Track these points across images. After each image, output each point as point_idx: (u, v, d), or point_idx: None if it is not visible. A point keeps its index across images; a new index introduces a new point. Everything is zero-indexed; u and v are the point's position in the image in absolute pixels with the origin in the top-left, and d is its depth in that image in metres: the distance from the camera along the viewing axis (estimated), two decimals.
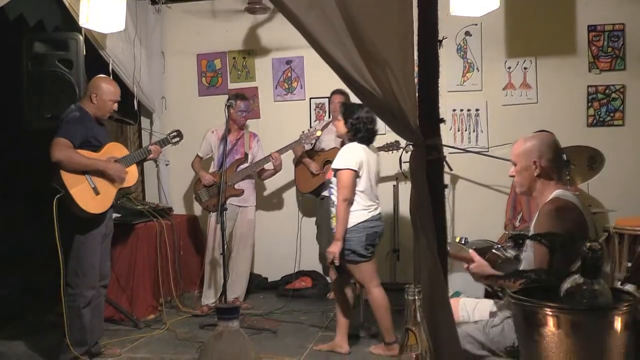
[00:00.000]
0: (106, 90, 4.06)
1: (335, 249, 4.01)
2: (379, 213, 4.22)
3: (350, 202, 4.04)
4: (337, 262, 4.05)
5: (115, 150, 4.20)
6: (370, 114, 4.12)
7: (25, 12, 4.70)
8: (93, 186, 3.97)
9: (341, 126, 4.22)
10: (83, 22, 4.83)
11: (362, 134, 4.15)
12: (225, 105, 5.03)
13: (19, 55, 4.91)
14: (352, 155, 4.11)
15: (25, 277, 5.61)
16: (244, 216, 5.54)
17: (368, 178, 4.13)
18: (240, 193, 5.43)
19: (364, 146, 4.16)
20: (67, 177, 3.86)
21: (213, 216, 5.44)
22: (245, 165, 5.46)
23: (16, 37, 4.93)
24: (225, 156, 5.04)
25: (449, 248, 2.58)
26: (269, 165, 5.46)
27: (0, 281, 5.86)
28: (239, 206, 5.49)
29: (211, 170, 5.58)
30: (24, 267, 5.67)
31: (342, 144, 4.47)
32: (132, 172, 4.26)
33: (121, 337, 4.74)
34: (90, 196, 3.94)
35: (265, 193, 6.33)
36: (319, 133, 5.40)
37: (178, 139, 4.78)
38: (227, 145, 5.30)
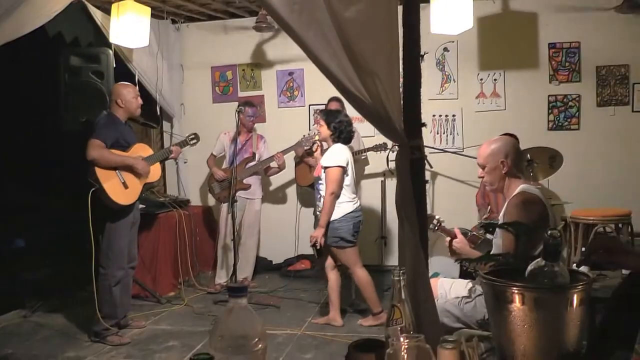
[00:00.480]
0: (127, 92, 4.09)
1: (318, 233, 4.06)
2: (360, 205, 4.28)
3: (337, 195, 4.06)
4: (318, 245, 4.08)
5: (141, 150, 4.21)
6: (348, 118, 4.20)
7: (63, 30, 4.69)
8: (123, 181, 3.97)
9: (324, 130, 4.23)
10: (113, 38, 4.82)
11: (344, 135, 4.18)
12: (236, 111, 5.01)
13: (57, 67, 4.90)
14: (340, 154, 4.13)
15: (64, 259, 5.59)
16: (251, 207, 5.52)
17: (352, 174, 4.17)
18: (247, 187, 5.42)
19: (342, 145, 4.18)
20: (101, 173, 3.88)
21: (224, 207, 5.43)
22: (253, 163, 5.44)
23: (55, 52, 4.92)
24: (235, 155, 5.03)
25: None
26: (274, 164, 5.45)
27: (43, 262, 5.87)
28: (247, 198, 5.47)
29: (223, 167, 5.56)
30: (64, 251, 5.66)
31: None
32: (156, 169, 4.27)
33: (146, 311, 4.74)
34: (120, 190, 3.95)
35: (271, 188, 6.31)
36: (317, 137, 5.38)
37: (195, 140, 4.79)
38: (237, 145, 5.31)
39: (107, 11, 4.93)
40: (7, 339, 4.15)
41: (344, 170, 4.09)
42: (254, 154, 5.48)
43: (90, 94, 4.72)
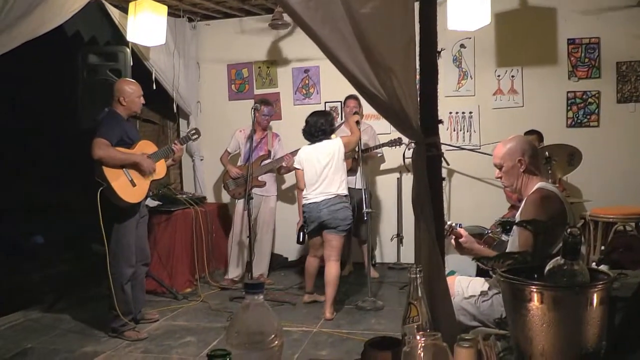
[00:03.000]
0: (130, 90, 4.07)
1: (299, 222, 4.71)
2: (319, 200, 4.43)
3: (301, 190, 4.60)
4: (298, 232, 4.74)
5: (146, 147, 4.20)
6: (313, 118, 4.58)
7: (81, 29, 4.74)
8: (130, 179, 3.98)
9: None
10: (130, 37, 4.86)
11: (307, 136, 4.59)
12: (252, 108, 5.01)
13: (75, 65, 4.95)
14: (297, 157, 4.66)
15: (82, 256, 5.67)
16: (266, 204, 5.54)
17: (310, 170, 4.49)
18: (263, 184, 5.43)
19: (309, 146, 4.55)
20: (108, 172, 3.88)
21: (239, 203, 5.45)
22: (268, 160, 5.45)
23: (73, 50, 4.97)
24: (251, 152, 5.03)
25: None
26: (283, 164, 5.45)
27: (62, 258, 5.96)
28: (262, 195, 5.49)
29: (238, 164, 5.58)
30: (81, 247, 5.74)
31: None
32: (161, 166, 4.25)
33: (162, 307, 4.78)
34: (129, 188, 3.96)
35: (287, 185, 6.32)
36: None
37: (197, 135, 4.80)
38: (253, 143, 5.32)
39: (124, 10, 4.97)
40: (26, 334, 4.22)
41: (300, 170, 4.56)
42: (269, 152, 5.50)
43: (108, 92, 4.75)
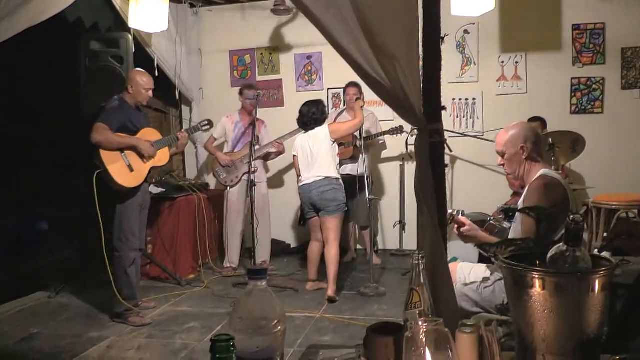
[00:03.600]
0: (140, 81, 4.11)
1: None
2: (311, 182, 4.59)
3: (298, 175, 4.77)
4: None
5: (149, 134, 4.22)
6: (305, 108, 4.71)
7: (83, 15, 4.72)
8: (128, 164, 4.01)
9: None
10: (132, 23, 4.83)
11: (301, 125, 4.78)
12: (255, 95, 5.00)
13: (77, 52, 4.93)
14: (294, 145, 4.81)
15: (87, 241, 5.69)
16: (259, 191, 5.42)
17: (302, 156, 4.67)
18: (255, 171, 5.37)
19: (303, 134, 4.73)
20: (105, 156, 3.92)
21: (233, 191, 5.40)
22: (257, 147, 5.42)
23: (75, 37, 4.95)
24: (253, 141, 4.96)
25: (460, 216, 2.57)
26: (272, 150, 5.44)
27: (67, 244, 5.99)
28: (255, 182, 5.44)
29: (225, 151, 5.51)
30: (87, 233, 5.76)
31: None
32: (164, 153, 4.27)
33: (166, 293, 4.82)
34: (125, 172, 4.00)
35: (273, 173, 6.31)
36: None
37: (208, 126, 4.86)
38: (241, 129, 5.39)
39: None
40: (32, 319, 4.26)
41: (296, 157, 4.76)
42: (257, 138, 5.45)
43: (110, 78, 4.76)
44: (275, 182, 6.36)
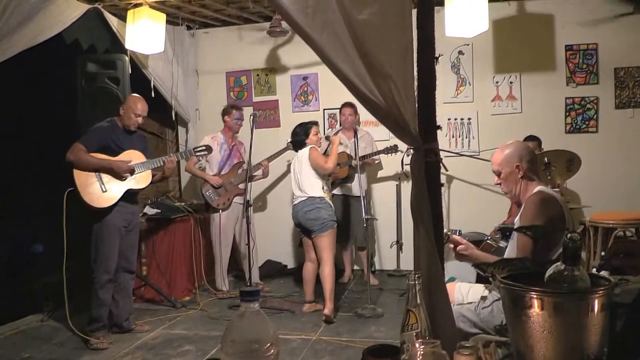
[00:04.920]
0: (132, 105, 4.10)
1: None
2: (299, 201, 4.62)
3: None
4: None
5: (133, 156, 4.12)
6: (295, 129, 4.80)
7: (80, 37, 4.75)
8: (101, 184, 3.98)
9: None
10: (129, 45, 4.88)
11: (292, 147, 4.90)
12: (250, 115, 4.98)
13: (74, 73, 4.96)
14: None
15: (81, 263, 5.64)
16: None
17: (292, 175, 4.76)
18: (243, 192, 5.33)
19: (297, 152, 4.77)
20: (78, 175, 3.93)
21: (224, 214, 5.31)
22: (241, 170, 5.39)
23: (72, 58, 4.98)
24: (250, 160, 4.96)
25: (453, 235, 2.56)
26: (259, 172, 5.40)
27: (60, 266, 5.92)
28: (241, 204, 5.38)
29: (212, 173, 5.37)
30: (80, 255, 5.71)
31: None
32: (145, 176, 4.17)
33: (161, 315, 4.76)
34: (97, 193, 3.96)
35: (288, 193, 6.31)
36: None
37: (206, 152, 4.78)
38: (226, 150, 5.35)
39: (123, 18, 4.99)
40: (25, 343, 4.20)
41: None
42: (242, 159, 5.43)
43: (106, 99, 4.77)
44: (272, 202, 6.34)
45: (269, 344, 1.01)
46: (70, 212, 3.97)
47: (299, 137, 4.74)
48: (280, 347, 0.95)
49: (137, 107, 4.10)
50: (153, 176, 4.25)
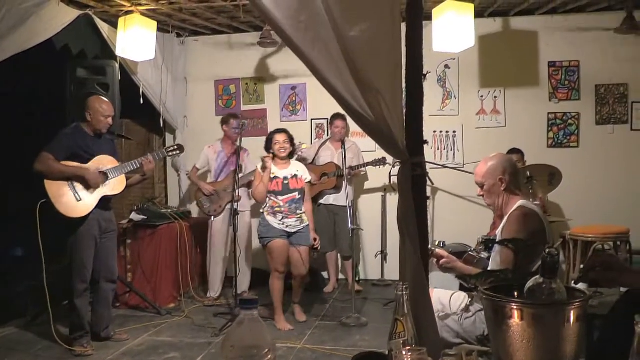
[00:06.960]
0: (98, 108, 3.98)
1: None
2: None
3: None
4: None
5: (105, 161, 4.02)
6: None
7: (70, 43, 4.75)
8: (75, 193, 3.87)
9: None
10: (119, 52, 4.88)
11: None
12: (239, 124, 5.01)
13: (63, 79, 4.95)
14: None
15: (64, 267, 5.60)
16: (242, 219, 5.41)
17: None
18: (239, 199, 5.34)
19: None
20: (49, 186, 3.81)
21: (217, 221, 5.39)
22: (241, 175, 5.42)
23: (62, 64, 4.97)
24: (237, 170, 4.98)
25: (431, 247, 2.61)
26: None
27: (43, 270, 5.86)
28: (239, 211, 5.42)
29: (209, 181, 5.52)
30: (63, 259, 5.66)
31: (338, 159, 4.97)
32: (120, 180, 4.08)
33: (145, 322, 4.73)
34: (71, 202, 3.86)
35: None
36: (304, 146, 5.42)
37: (177, 152, 4.63)
38: (224, 158, 5.40)
39: (113, 24, 5.00)
40: (8, 349, 4.15)
41: None
42: (240, 166, 5.46)
43: None
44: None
45: (266, 350, 1.05)
46: (48, 216, 3.90)
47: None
48: (277, 354, 0.99)
49: (103, 109, 3.99)
50: (128, 179, 4.17)
